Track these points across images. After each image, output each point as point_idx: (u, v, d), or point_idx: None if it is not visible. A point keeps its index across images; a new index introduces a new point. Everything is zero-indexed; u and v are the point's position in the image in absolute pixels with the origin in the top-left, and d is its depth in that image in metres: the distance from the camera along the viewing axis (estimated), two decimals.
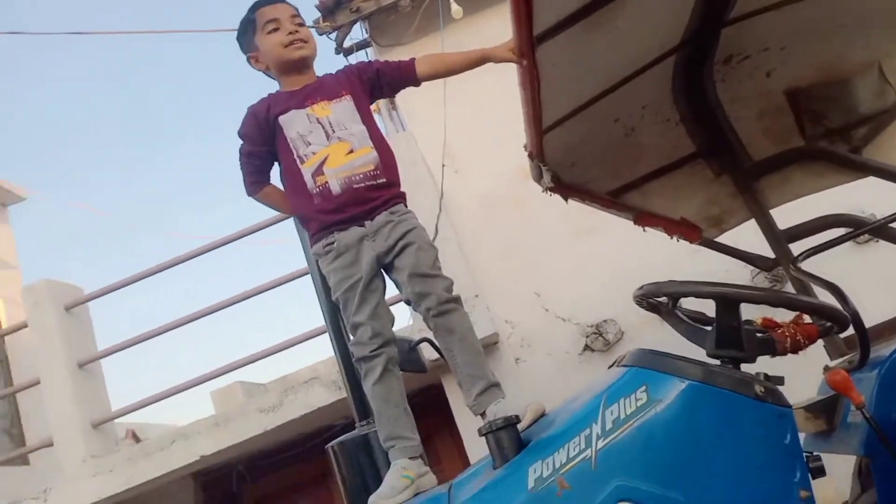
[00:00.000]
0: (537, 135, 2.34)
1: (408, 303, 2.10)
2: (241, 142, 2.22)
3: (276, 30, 2.22)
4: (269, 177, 2.27)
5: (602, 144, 2.68)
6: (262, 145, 2.20)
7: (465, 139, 4.69)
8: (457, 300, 2.04)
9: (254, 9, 2.27)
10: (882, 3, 2.54)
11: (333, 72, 2.34)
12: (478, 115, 4.60)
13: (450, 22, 4.74)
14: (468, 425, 3.91)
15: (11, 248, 8.49)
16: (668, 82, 2.64)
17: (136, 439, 5.53)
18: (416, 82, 2.28)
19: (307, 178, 2.11)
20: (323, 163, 2.10)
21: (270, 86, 2.34)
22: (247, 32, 2.29)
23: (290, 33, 2.21)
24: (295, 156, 2.13)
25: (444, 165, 4.46)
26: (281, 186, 2.27)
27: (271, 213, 4.54)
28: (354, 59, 5.29)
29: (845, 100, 2.75)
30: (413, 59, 2.26)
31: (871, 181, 2.75)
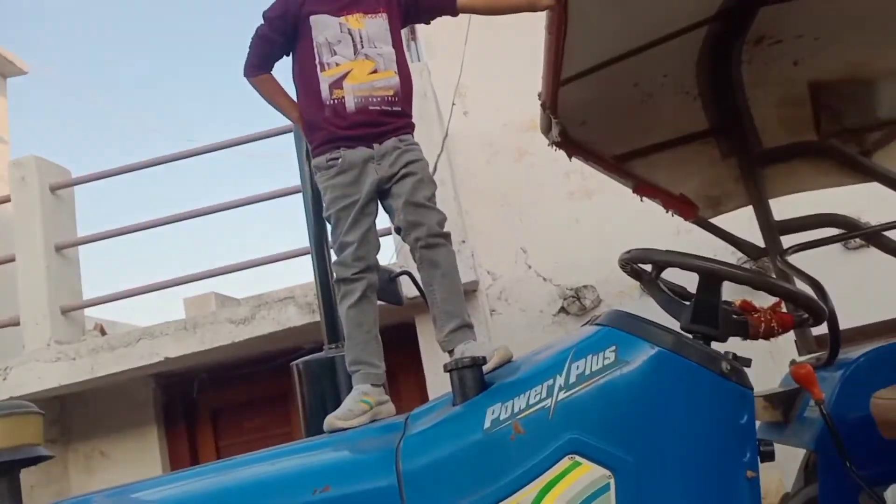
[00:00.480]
0: (553, 85, 2.28)
1: (398, 231, 2.06)
2: (261, 22, 2.15)
3: None
4: (271, 67, 2.20)
5: (616, 107, 2.63)
6: (281, 35, 2.13)
7: (479, 82, 4.59)
8: (446, 236, 2.01)
9: None
10: None
11: None
12: (496, 61, 4.50)
13: None
14: (434, 367, 3.94)
15: (4, 121, 8.34)
16: (694, 54, 2.58)
17: (104, 333, 5.53)
18: (454, 12, 2.21)
19: (324, 87, 2.05)
20: (344, 77, 2.04)
21: None
22: None
23: None
24: (317, 61, 2.06)
25: (453, 104, 4.38)
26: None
27: (268, 125, 4.50)
28: None
29: (866, 101, 2.71)
30: None
31: (875, 187, 2.73)
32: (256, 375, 4.87)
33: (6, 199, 4.69)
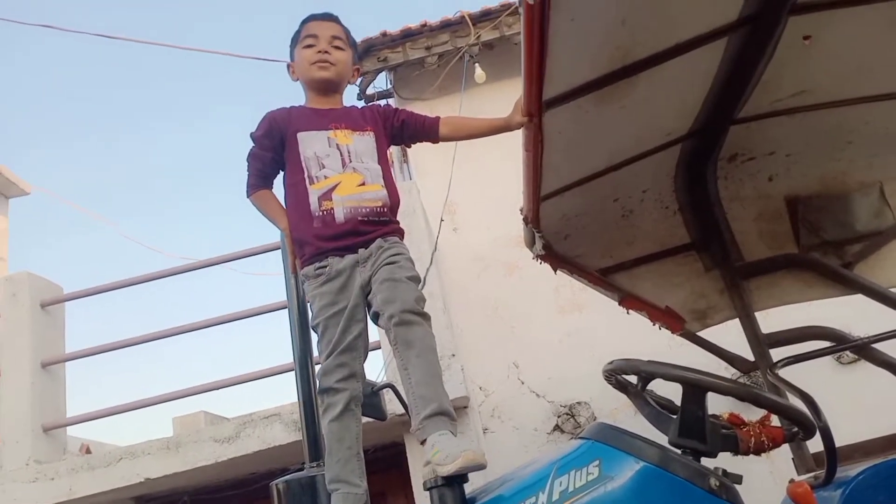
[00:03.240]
0: (535, 200, 2.34)
1: (375, 318, 2.01)
2: (251, 143, 2.23)
3: (310, 46, 2.27)
4: (272, 183, 2.26)
5: (598, 221, 2.69)
6: (270, 151, 2.20)
7: (466, 199, 4.72)
8: (423, 315, 1.94)
9: (304, 21, 2.33)
10: (890, 127, 2.58)
11: (359, 106, 2.38)
12: (482, 179, 4.64)
13: (472, 85, 4.84)
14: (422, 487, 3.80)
15: (4, 239, 8.46)
16: (671, 170, 2.67)
17: (89, 454, 5.37)
18: (435, 140, 2.32)
19: (312, 199, 2.09)
20: (333, 189, 2.09)
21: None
22: (293, 42, 2.35)
23: (321, 52, 2.24)
24: (305, 175, 2.12)
25: (442, 220, 4.47)
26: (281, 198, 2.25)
27: (258, 243, 4.55)
28: None
29: (843, 215, 2.77)
30: (438, 119, 2.30)
31: (861, 299, 2.74)
32: (240, 497, 4.68)
33: None
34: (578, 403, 4.23)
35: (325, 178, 2.11)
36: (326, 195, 2.08)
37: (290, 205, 2.17)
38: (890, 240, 2.75)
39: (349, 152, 2.15)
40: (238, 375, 4.35)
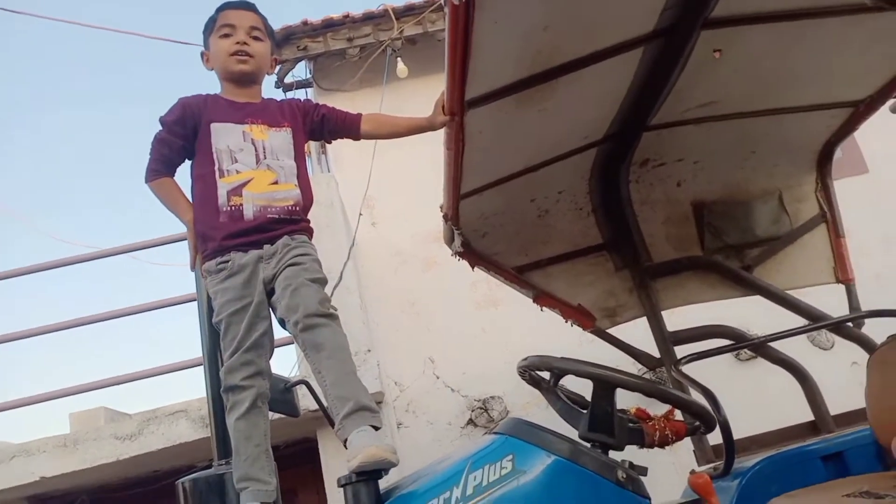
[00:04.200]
0: (454, 198, 2.36)
1: (282, 324, 1.96)
2: (160, 126, 2.13)
3: (227, 35, 2.17)
4: (174, 171, 2.16)
5: (515, 220, 2.74)
6: (181, 139, 2.11)
7: (385, 194, 4.71)
8: (329, 316, 1.90)
9: (219, 9, 2.23)
10: (791, 138, 2.74)
11: (278, 99, 2.32)
12: (401, 173, 4.64)
13: (394, 79, 4.82)
14: (335, 484, 3.77)
15: None
16: (586, 173, 2.74)
17: None
18: (357, 137, 2.27)
19: (221, 192, 2.02)
20: (244, 184, 2.03)
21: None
22: (207, 29, 2.25)
23: (238, 43, 2.16)
24: (216, 167, 2.04)
25: (360, 214, 4.44)
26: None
27: (162, 234, 4.40)
28: (292, 95, 5.28)
29: (745, 220, 2.92)
30: (360, 115, 2.26)
31: (759, 300, 2.90)
32: (142, 498, 4.51)
33: None
34: (492, 398, 4.30)
35: (237, 172, 2.05)
36: (236, 190, 2.02)
37: (197, 197, 2.09)
38: (787, 245, 2.92)
39: (264, 148, 2.10)
40: (141, 370, 4.18)
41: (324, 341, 1.84)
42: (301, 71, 5.31)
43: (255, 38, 2.19)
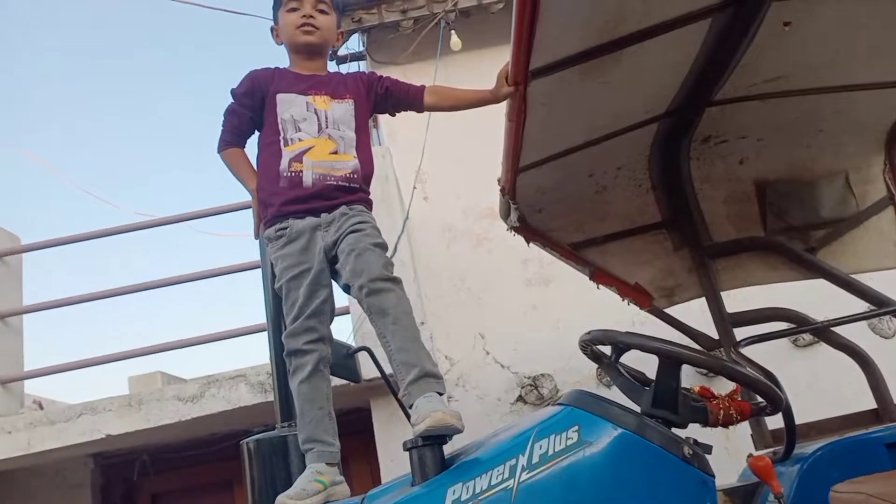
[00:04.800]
0: (513, 171, 2.35)
1: (346, 289, 1.99)
2: (231, 99, 2.21)
3: (294, 9, 2.23)
4: (244, 143, 2.23)
5: (573, 196, 2.72)
6: (249, 110, 2.18)
7: (439, 168, 4.71)
8: (394, 280, 1.91)
9: None
10: (859, 117, 2.66)
11: (343, 72, 2.36)
12: (456, 148, 4.63)
13: (447, 52, 4.80)
14: (389, 453, 3.85)
15: None
16: (646, 149, 2.71)
17: (41, 409, 5.29)
18: (420, 109, 2.29)
19: (284, 160, 2.08)
20: (305, 152, 2.08)
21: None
22: (276, 4, 2.32)
23: (305, 16, 2.22)
24: (281, 136, 2.11)
25: (414, 188, 4.46)
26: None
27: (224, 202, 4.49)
28: (346, 68, 5.31)
29: (809, 201, 2.85)
30: (423, 87, 2.28)
31: (822, 283, 2.84)
32: (200, 458, 4.67)
33: None
34: (542, 375, 4.30)
35: (300, 140, 2.10)
36: (297, 157, 2.08)
37: (262, 165, 2.16)
38: (853, 227, 2.84)
39: (326, 118, 2.14)
40: (202, 335, 4.31)
41: (389, 306, 1.86)
42: (354, 43, 5.33)
43: (321, 12, 2.25)
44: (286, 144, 2.10)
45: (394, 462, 3.73)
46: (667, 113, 2.52)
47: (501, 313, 4.51)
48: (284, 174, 2.07)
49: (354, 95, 2.22)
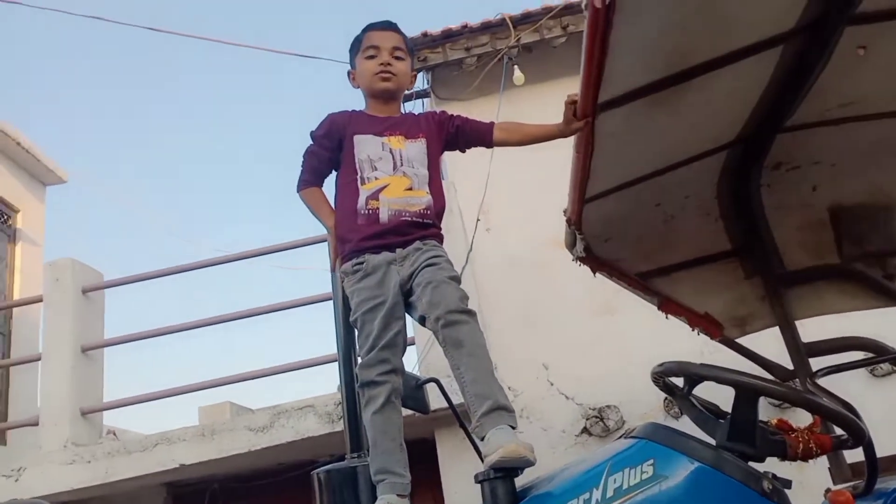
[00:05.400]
0: (579, 202, 2.36)
1: (422, 321, 2.03)
2: (310, 140, 2.30)
3: (372, 57, 2.30)
4: (322, 182, 2.31)
5: (640, 225, 2.70)
6: (328, 151, 2.26)
7: (502, 200, 4.74)
8: (470, 313, 1.94)
9: (365, 30, 2.36)
10: None
11: (416, 112, 2.42)
12: (518, 179, 4.66)
13: (510, 87, 4.86)
14: (453, 485, 3.84)
15: (41, 226, 8.60)
16: (715, 177, 2.67)
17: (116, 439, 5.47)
18: (489, 145, 2.33)
19: (361, 198, 2.14)
20: (381, 189, 2.14)
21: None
22: (353, 49, 2.39)
23: (383, 64, 2.28)
24: (358, 175, 2.18)
25: (478, 220, 4.50)
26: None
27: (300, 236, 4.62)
28: (411, 106, 5.43)
29: (886, 227, 2.75)
30: (492, 124, 2.32)
31: (892, 313, 2.73)
32: (271, 487, 4.75)
33: (38, 300, 4.78)
34: (608, 407, 4.23)
35: (376, 179, 2.16)
36: (374, 195, 2.14)
37: (339, 203, 2.23)
38: None
39: (401, 157, 2.20)
40: (273, 366, 4.42)
41: (464, 338, 1.88)
42: (419, 82, 5.45)
43: (398, 58, 2.31)
44: (363, 183, 2.16)
45: (458, 494, 3.72)
46: (736, 140, 2.49)
47: (565, 344, 4.48)
48: (362, 211, 2.13)
49: (427, 134, 2.27)
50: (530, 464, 1.60)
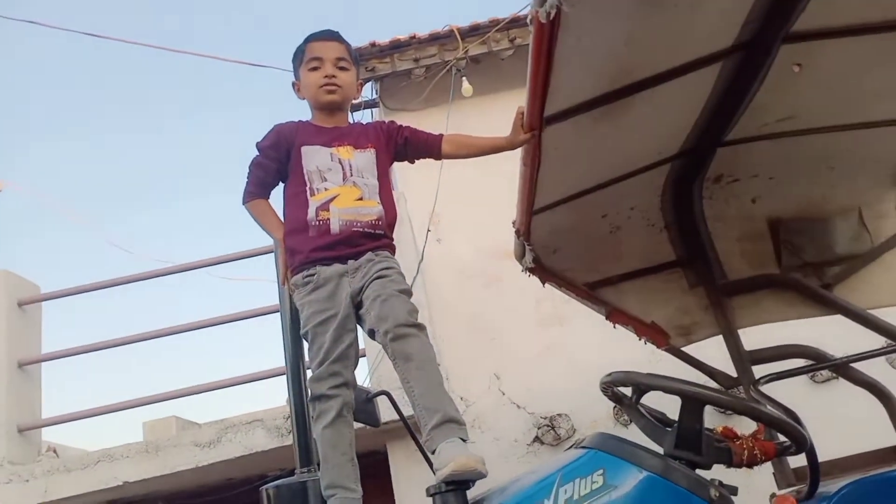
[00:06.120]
0: (527, 213, 2.38)
1: (371, 335, 2.03)
2: (256, 151, 2.26)
3: (316, 69, 2.28)
4: (269, 193, 2.28)
5: (587, 236, 2.74)
6: (275, 162, 2.23)
7: (452, 210, 4.76)
8: (418, 326, 1.95)
9: (307, 40, 2.33)
10: (871, 154, 2.68)
11: (364, 122, 2.41)
12: (468, 190, 4.68)
13: (459, 98, 4.88)
14: (405, 497, 3.82)
15: None
16: (659, 189, 2.73)
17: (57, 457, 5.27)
18: (437, 157, 2.34)
19: (311, 209, 2.12)
20: (331, 200, 2.13)
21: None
22: (296, 60, 2.36)
23: (327, 76, 2.26)
24: (307, 187, 2.16)
25: (429, 230, 4.50)
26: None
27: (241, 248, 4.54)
28: (359, 116, 5.40)
29: (823, 237, 2.86)
30: (441, 136, 2.33)
31: (839, 319, 2.83)
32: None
33: None
34: (559, 415, 4.27)
35: (326, 190, 2.15)
36: (324, 206, 2.12)
37: (288, 215, 2.21)
38: (867, 263, 2.84)
39: (350, 167, 2.19)
40: (218, 380, 4.33)
41: (413, 352, 1.89)
42: (367, 91, 5.43)
43: (342, 69, 2.30)
44: (312, 194, 2.14)
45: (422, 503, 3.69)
46: (679, 154, 2.55)
47: (516, 353, 4.50)
48: (312, 223, 2.11)
49: (375, 145, 2.26)
50: (482, 476, 1.60)
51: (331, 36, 2.33)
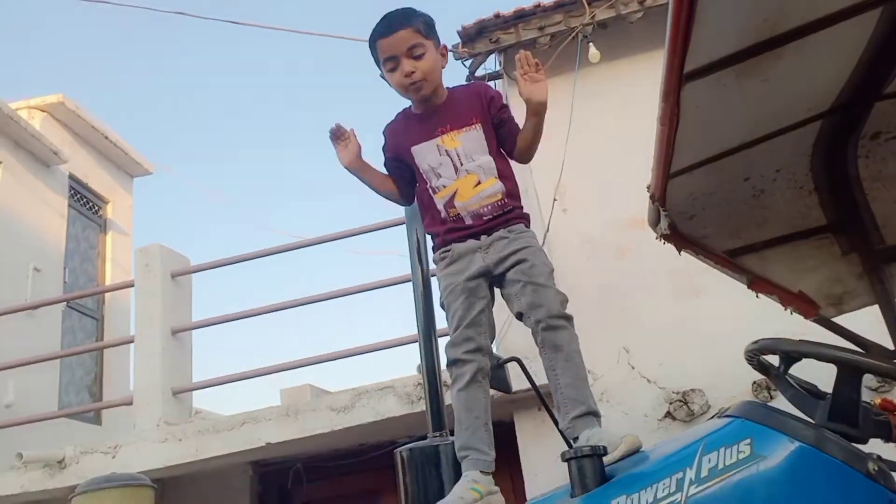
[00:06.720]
0: (663, 177, 2.29)
1: (519, 317, 2.08)
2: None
3: (394, 69, 2.16)
4: (413, 193, 2.35)
5: (728, 201, 2.60)
6: (403, 170, 2.31)
7: (579, 179, 4.66)
8: (568, 318, 2.02)
9: (372, 38, 2.19)
10: None
11: (463, 86, 2.39)
12: (594, 159, 4.57)
13: (586, 64, 4.76)
14: (533, 467, 3.83)
15: (129, 216, 9.03)
16: (808, 148, 2.54)
17: None
18: (511, 155, 2.28)
19: (441, 207, 2.20)
20: (453, 196, 2.18)
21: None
22: (373, 57, 2.25)
23: (407, 75, 2.14)
24: (428, 185, 2.22)
25: (555, 200, 4.44)
26: None
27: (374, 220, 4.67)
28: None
29: None
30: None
31: None
32: (351, 467, 4.85)
33: (129, 285, 5.01)
34: (692, 391, 4.12)
35: (444, 187, 2.19)
36: (450, 203, 2.19)
37: (423, 209, 2.31)
38: None
39: (458, 155, 2.18)
40: (351, 348, 4.49)
41: (563, 343, 1.97)
42: (491, 63, 5.39)
43: (418, 57, 2.14)
44: (435, 192, 2.21)
45: (539, 476, 3.70)
46: (831, 109, 2.36)
47: (647, 327, 4.38)
48: (447, 220, 2.19)
49: (480, 118, 2.20)
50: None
51: (393, 28, 2.14)
